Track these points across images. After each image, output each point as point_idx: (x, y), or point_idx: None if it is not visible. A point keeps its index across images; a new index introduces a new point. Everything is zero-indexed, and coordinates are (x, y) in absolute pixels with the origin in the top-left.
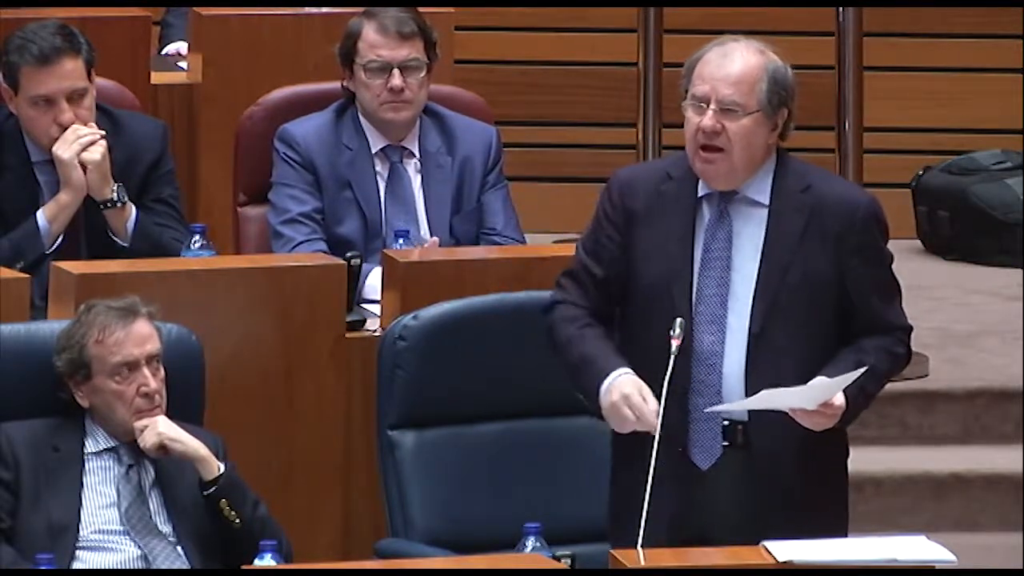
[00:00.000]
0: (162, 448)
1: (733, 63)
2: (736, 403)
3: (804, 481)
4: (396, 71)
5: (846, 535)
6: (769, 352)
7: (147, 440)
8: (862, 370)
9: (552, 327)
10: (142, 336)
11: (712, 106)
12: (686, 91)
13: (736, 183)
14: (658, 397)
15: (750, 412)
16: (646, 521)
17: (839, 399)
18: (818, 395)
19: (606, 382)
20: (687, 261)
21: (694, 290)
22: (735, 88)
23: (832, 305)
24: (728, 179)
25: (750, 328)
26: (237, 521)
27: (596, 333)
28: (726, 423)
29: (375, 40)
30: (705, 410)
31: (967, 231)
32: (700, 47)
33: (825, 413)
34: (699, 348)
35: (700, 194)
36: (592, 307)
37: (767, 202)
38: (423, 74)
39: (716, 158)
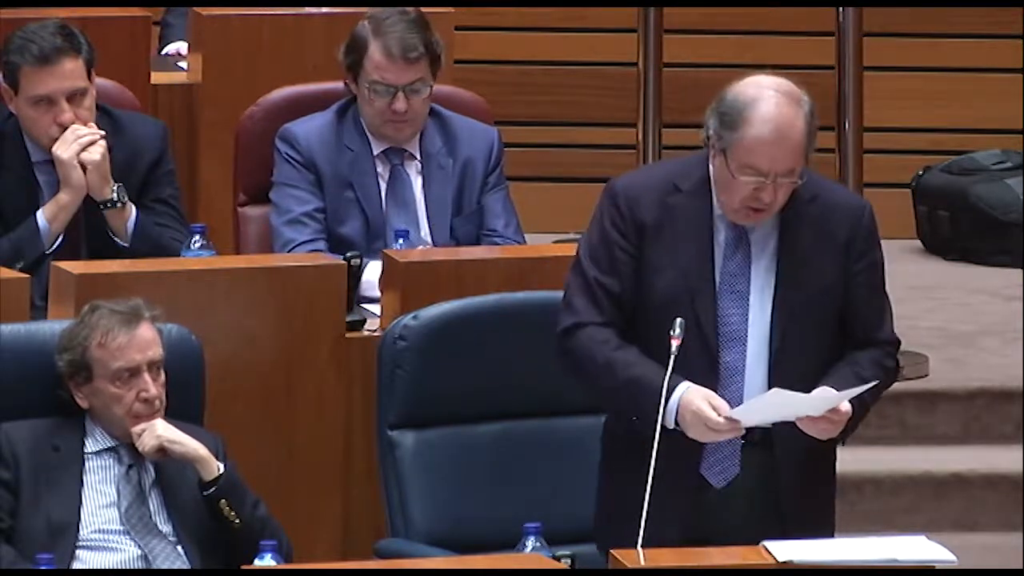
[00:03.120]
0: (161, 450)
1: (788, 137)
2: (743, 408)
3: (815, 479)
4: (400, 94)
5: (832, 535)
6: (791, 365)
7: (146, 443)
8: (871, 384)
9: (581, 351)
10: (145, 342)
11: (772, 179)
12: (724, 145)
13: None
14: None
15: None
16: (645, 527)
17: (845, 406)
18: (823, 404)
19: (674, 399)
20: (709, 281)
21: (718, 310)
22: (793, 159)
23: (837, 314)
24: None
25: (771, 343)
26: (237, 521)
27: (636, 353)
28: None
29: (381, 62)
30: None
31: (967, 231)
32: (700, 47)
33: (832, 419)
34: (722, 365)
35: (716, 212)
36: (616, 325)
37: (778, 215)
38: (427, 93)
39: (765, 216)
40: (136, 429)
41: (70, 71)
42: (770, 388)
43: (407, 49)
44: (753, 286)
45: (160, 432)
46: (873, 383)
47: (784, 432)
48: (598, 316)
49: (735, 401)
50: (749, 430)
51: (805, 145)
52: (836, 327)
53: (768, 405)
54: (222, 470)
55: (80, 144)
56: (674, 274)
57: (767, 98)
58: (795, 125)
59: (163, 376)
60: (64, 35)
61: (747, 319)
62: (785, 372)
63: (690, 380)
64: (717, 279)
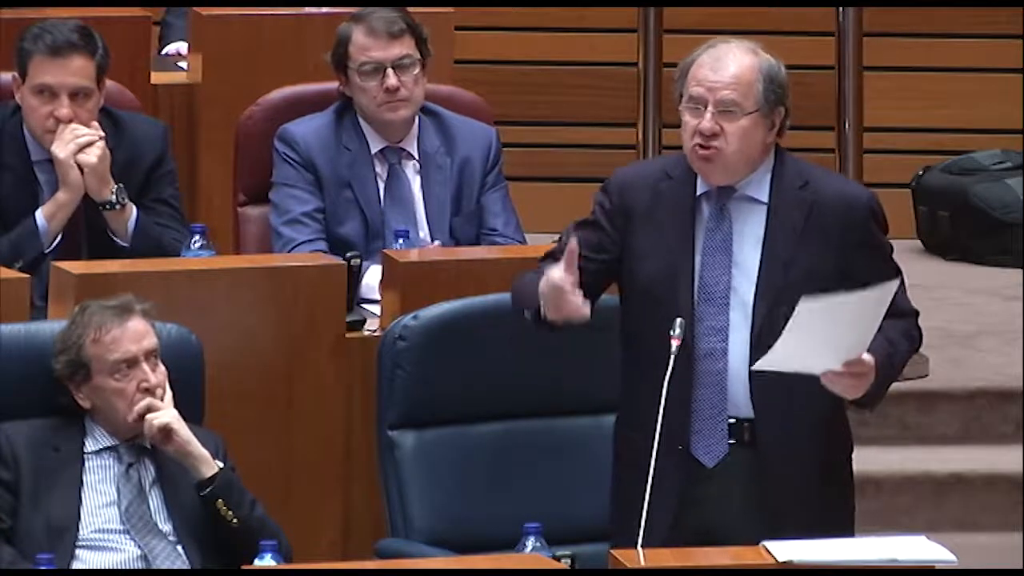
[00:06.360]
0: (167, 432)
1: (728, 65)
2: (767, 358)
3: (811, 478)
4: (390, 70)
5: (852, 533)
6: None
7: (160, 417)
8: (892, 286)
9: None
10: (139, 333)
11: (710, 108)
12: (680, 94)
13: (734, 179)
14: (659, 398)
15: (756, 409)
16: (647, 521)
17: (868, 357)
18: (846, 335)
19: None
20: (688, 259)
21: (696, 288)
22: (732, 89)
23: None
24: (725, 175)
25: (752, 325)
26: (234, 521)
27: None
28: (732, 420)
29: (365, 43)
30: (754, 367)
31: (967, 231)
32: (700, 47)
33: (856, 372)
34: (702, 346)
35: (699, 192)
36: None
37: (766, 199)
38: (417, 71)
39: (713, 155)
40: (147, 402)
41: (78, 68)
42: (751, 370)
43: (389, 24)
44: (736, 267)
45: (175, 414)
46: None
47: (769, 434)
48: (546, 264)
49: (716, 383)
50: (737, 429)
51: (753, 83)
52: None
53: (787, 350)
54: (218, 469)
55: (77, 144)
56: (657, 255)
57: (720, 42)
58: (741, 60)
59: (162, 367)
60: (82, 34)
61: (728, 300)
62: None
63: (669, 360)
64: (698, 258)
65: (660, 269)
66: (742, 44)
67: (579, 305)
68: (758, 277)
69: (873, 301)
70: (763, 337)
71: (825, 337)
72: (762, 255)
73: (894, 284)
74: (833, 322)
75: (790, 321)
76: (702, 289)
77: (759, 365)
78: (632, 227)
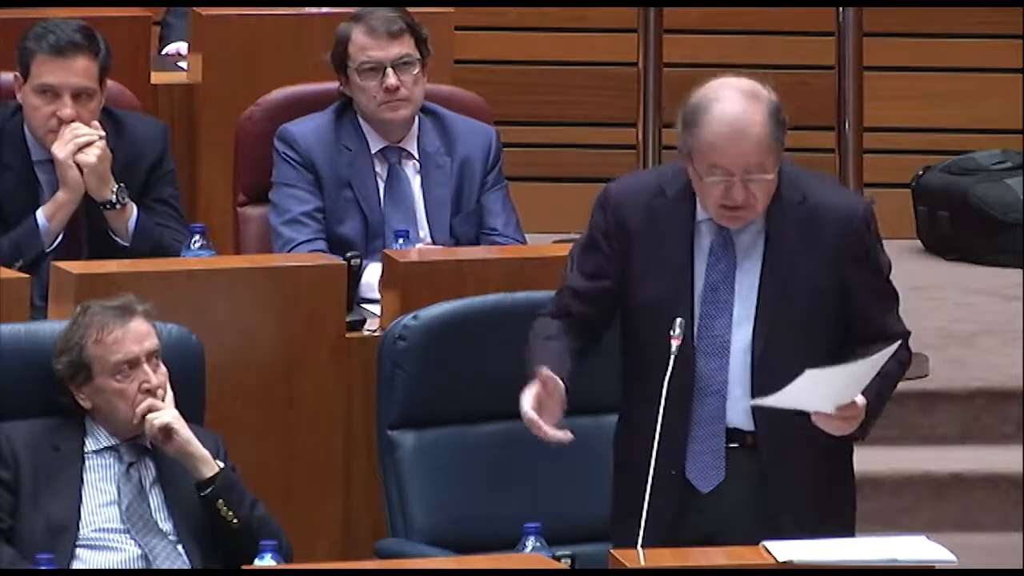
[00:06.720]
0: (167, 432)
1: (746, 133)
2: (763, 399)
3: (813, 481)
4: (389, 70)
5: (853, 533)
6: (774, 373)
7: (161, 417)
8: (890, 350)
9: (529, 338)
10: (140, 333)
11: (738, 177)
12: (688, 148)
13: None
14: (657, 403)
15: (756, 419)
16: (645, 527)
17: (860, 400)
18: (841, 390)
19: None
20: (687, 285)
21: (696, 312)
22: (757, 154)
23: (834, 314)
24: (750, 220)
25: (753, 350)
26: (235, 521)
27: (553, 346)
28: (731, 428)
29: (365, 42)
30: (752, 402)
31: (967, 231)
32: (700, 47)
33: (846, 416)
34: (702, 372)
35: (699, 218)
36: (568, 315)
37: (764, 219)
38: (417, 71)
39: (744, 215)
40: (148, 403)
41: (82, 68)
42: (753, 397)
43: (389, 23)
44: (737, 294)
45: (176, 414)
46: (890, 352)
47: (770, 438)
48: (552, 307)
49: (716, 408)
50: (739, 436)
51: (769, 140)
52: (832, 328)
53: (786, 398)
54: (219, 469)
55: (76, 144)
56: (655, 280)
57: (724, 97)
58: (754, 120)
59: (163, 368)
60: (85, 34)
61: (730, 328)
62: (767, 380)
63: (668, 389)
64: (699, 287)
65: (660, 294)
66: (743, 94)
67: (552, 433)
68: (757, 302)
69: (871, 364)
70: (763, 362)
71: (823, 390)
72: (761, 279)
73: (893, 347)
74: (831, 381)
75: (792, 384)
76: (703, 317)
77: (755, 403)
78: (629, 245)
